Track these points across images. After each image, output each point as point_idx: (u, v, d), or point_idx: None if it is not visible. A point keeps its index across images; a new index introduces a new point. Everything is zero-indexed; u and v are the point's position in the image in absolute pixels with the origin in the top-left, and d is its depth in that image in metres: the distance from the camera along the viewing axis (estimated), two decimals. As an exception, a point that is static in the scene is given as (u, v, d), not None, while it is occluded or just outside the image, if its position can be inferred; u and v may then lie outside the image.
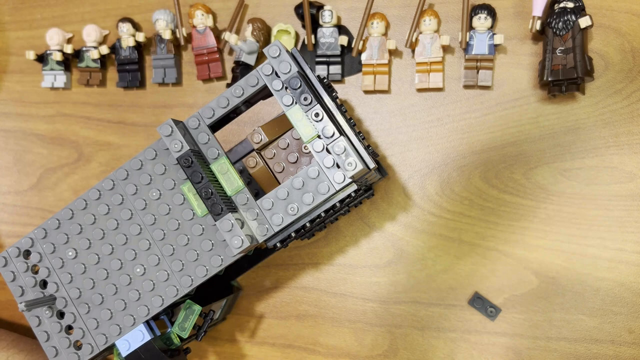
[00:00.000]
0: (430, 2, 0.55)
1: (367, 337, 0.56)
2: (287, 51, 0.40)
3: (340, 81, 0.57)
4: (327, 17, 0.55)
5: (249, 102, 0.44)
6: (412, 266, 0.55)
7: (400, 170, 0.55)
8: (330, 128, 0.39)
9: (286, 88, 0.40)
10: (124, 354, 0.44)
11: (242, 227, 0.39)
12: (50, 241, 0.45)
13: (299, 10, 0.55)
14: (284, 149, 0.44)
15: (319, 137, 0.39)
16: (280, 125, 0.45)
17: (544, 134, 0.53)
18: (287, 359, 0.57)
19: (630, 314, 0.51)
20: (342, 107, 0.44)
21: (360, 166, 0.38)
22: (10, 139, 0.64)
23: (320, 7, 0.55)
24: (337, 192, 0.40)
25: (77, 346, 0.45)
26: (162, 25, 0.58)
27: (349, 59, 0.57)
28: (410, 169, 0.55)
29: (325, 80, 0.54)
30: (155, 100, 0.61)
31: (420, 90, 0.55)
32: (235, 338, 0.58)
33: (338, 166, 0.39)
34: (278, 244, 0.43)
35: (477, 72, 0.53)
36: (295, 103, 0.40)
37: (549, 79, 0.50)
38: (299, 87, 0.39)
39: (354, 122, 0.44)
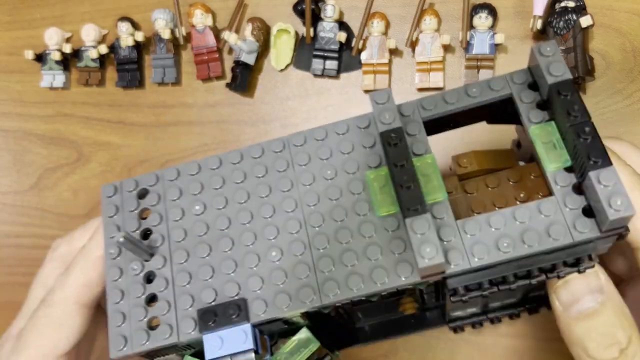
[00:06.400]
0: (430, 2, 0.55)
1: (367, 337, 0.55)
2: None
3: (336, 77, 0.57)
4: (329, 12, 0.55)
5: (473, 115, 0.36)
6: (413, 266, 0.55)
7: (400, 170, 0.55)
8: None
9: (539, 105, 0.33)
10: (209, 356, 0.31)
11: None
12: (179, 185, 0.36)
13: (297, 7, 0.55)
14: (493, 188, 0.35)
15: (568, 168, 0.31)
16: (495, 160, 0.37)
17: (545, 134, 0.53)
18: (287, 359, 0.57)
19: (631, 314, 0.51)
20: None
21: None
22: (9, 139, 0.64)
23: (319, 0, 0.55)
24: (575, 245, 0.30)
25: (152, 325, 0.33)
26: (162, 24, 0.58)
27: (346, 56, 0.56)
28: (411, 169, 0.55)
29: (325, 72, 0.53)
30: (154, 99, 0.61)
31: (420, 89, 0.55)
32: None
33: (589, 213, 0.30)
34: (461, 289, 0.31)
35: (478, 71, 0.53)
36: (548, 121, 0.32)
37: (550, 79, 0.50)
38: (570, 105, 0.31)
39: None
